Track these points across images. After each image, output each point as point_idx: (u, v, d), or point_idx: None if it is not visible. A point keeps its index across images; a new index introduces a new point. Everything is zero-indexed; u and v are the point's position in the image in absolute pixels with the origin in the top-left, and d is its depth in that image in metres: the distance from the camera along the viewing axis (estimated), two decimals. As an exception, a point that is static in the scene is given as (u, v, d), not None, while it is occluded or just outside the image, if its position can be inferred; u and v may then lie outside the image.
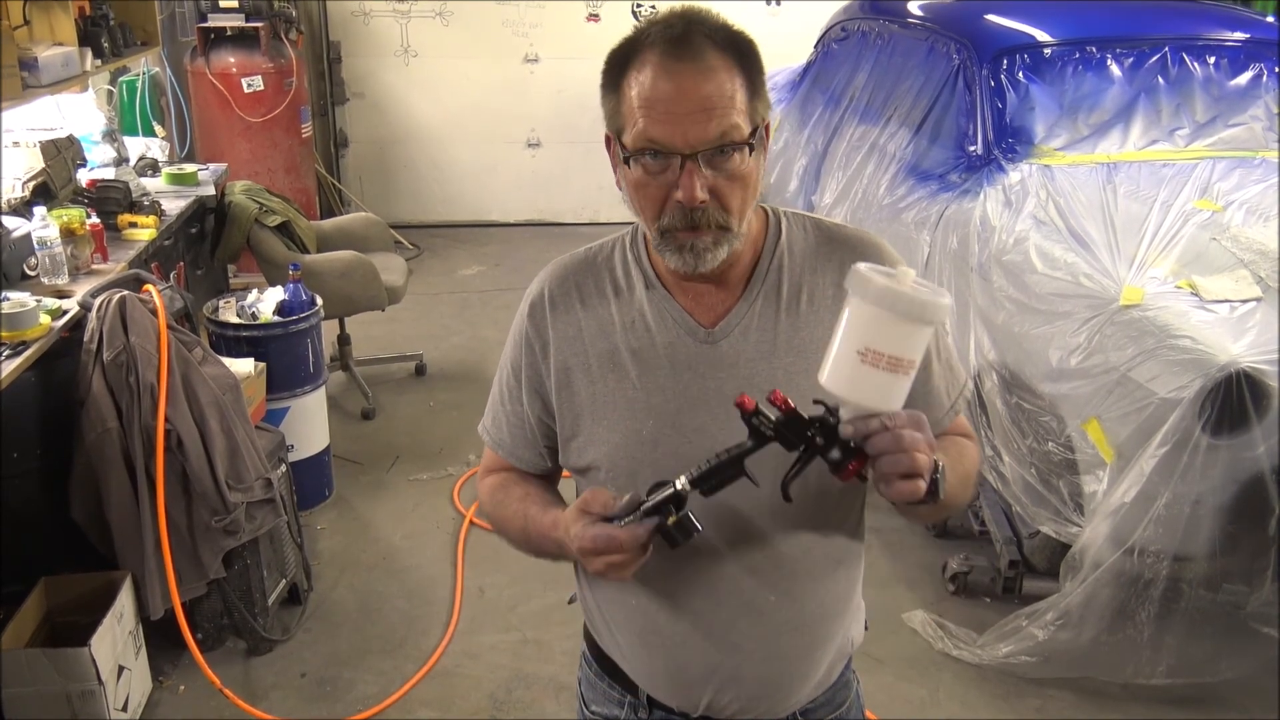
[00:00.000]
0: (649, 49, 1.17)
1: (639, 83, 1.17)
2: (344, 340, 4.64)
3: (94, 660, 2.46)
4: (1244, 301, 2.65)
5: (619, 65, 1.20)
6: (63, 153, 3.76)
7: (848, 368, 1.08)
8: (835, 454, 1.10)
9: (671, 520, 1.13)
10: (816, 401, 1.12)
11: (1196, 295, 2.69)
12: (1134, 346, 2.63)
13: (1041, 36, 3.76)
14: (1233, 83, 3.65)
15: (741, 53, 1.20)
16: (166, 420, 2.66)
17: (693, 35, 1.17)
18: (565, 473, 1.44)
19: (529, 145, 7.17)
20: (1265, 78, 3.66)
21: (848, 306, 1.08)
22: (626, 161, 1.21)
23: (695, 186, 1.16)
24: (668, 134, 1.15)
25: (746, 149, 1.17)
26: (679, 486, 1.14)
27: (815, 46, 5.21)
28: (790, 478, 1.13)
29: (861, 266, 1.08)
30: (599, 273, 1.36)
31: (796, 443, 1.12)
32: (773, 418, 1.12)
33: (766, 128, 1.24)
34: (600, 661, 1.47)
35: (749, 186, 1.21)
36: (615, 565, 1.16)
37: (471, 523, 3.63)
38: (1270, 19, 4.18)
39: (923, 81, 4.00)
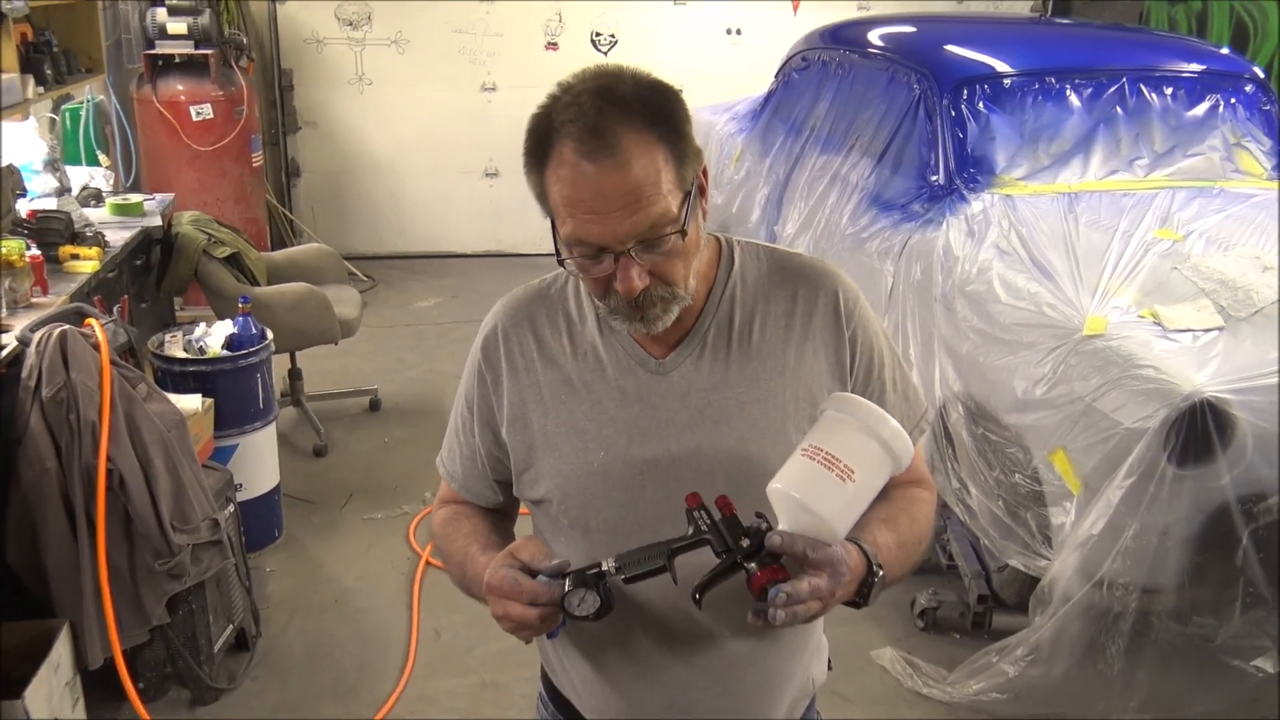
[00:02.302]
0: (564, 142, 1.15)
1: (559, 180, 1.16)
2: (295, 375, 4.60)
3: (28, 713, 2.39)
4: (1206, 331, 2.70)
5: (538, 149, 1.18)
6: (2, 182, 3.70)
7: (794, 464, 1.14)
8: (753, 565, 1.12)
9: (579, 595, 1.15)
10: (759, 515, 1.15)
11: (1159, 324, 2.73)
12: (1098, 376, 2.66)
13: (1001, 67, 3.83)
14: (1190, 113, 3.75)
15: (661, 121, 1.16)
16: (108, 459, 2.61)
17: (606, 123, 1.13)
18: (524, 509, 1.44)
19: (486, 175, 7.18)
20: (1221, 108, 3.76)
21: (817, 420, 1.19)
22: (561, 261, 1.22)
23: (632, 279, 1.17)
24: (596, 234, 1.16)
25: (680, 234, 1.18)
26: (606, 566, 1.16)
27: (776, 76, 5.28)
28: (704, 584, 1.15)
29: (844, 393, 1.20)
30: (552, 305, 1.37)
31: (722, 549, 1.14)
32: (710, 519, 1.15)
33: (704, 172, 1.23)
34: (555, 701, 1.47)
35: (690, 254, 1.22)
36: (512, 617, 1.17)
37: (428, 563, 3.59)
38: (1225, 50, 4.29)
39: (884, 111, 4.06)
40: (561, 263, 1.22)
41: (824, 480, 1.12)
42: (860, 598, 1.19)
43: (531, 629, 1.18)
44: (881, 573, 1.19)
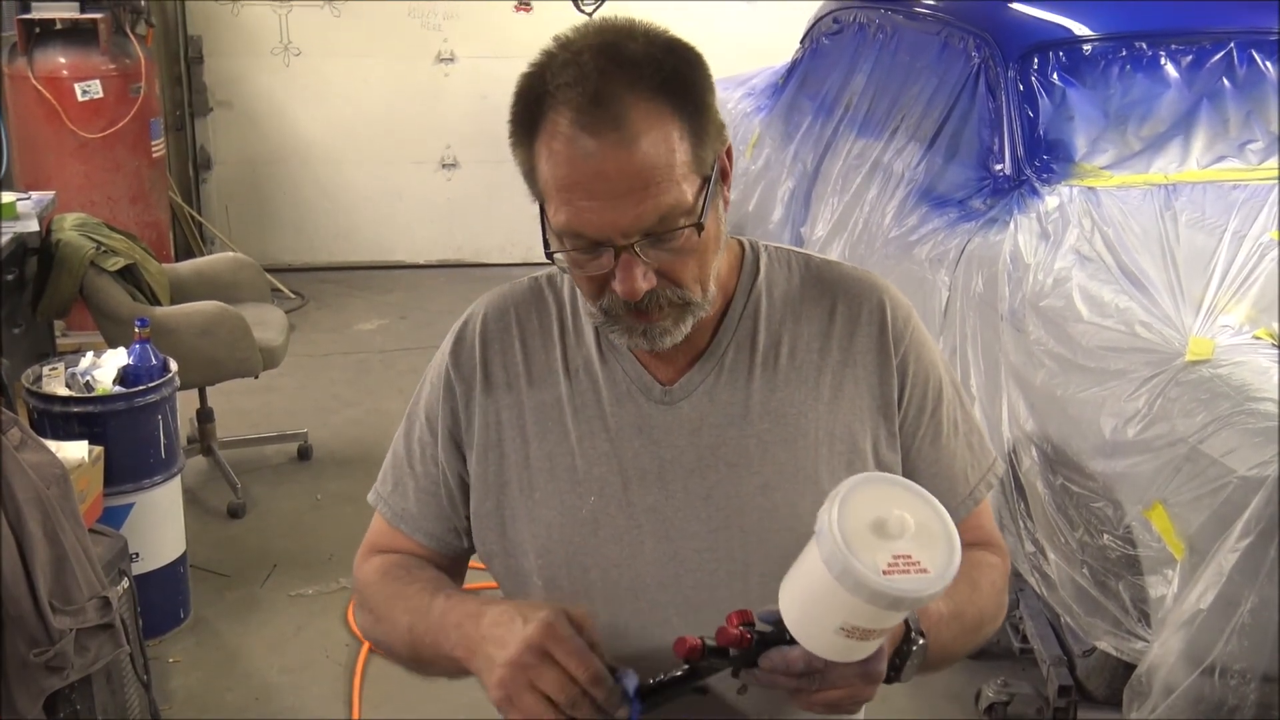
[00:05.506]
0: (560, 110, 1.16)
1: (552, 156, 1.18)
2: (205, 416, 4.60)
3: None
4: (1337, 355, 2.72)
5: (527, 116, 1.20)
6: None
7: (800, 615, 1.11)
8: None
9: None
10: (777, 618, 1.14)
11: (1279, 348, 2.75)
12: (1205, 412, 2.67)
13: (1081, 30, 3.87)
14: (1316, 85, 3.78)
15: (677, 89, 1.19)
16: (-29, 523, 2.62)
17: (611, 90, 1.15)
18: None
19: (443, 166, 7.22)
20: (1353, 79, 3.79)
21: (812, 547, 1.09)
22: (550, 254, 1.23)
23: (636, 279, 1.18)
24: (594, 225, 1.17)
25: (696, 228, 1.19)
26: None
27: (802, 41, 5.33)
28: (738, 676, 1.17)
29: (834, 514, 1.05)
30: (545, 309, 1.39)
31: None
32: (726, 656, 1.15)
33: (728, 153, 1.26)
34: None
35: (708, 252, 1.24)
36: (543, 682, 1.12)
37: (372, 650, 3.58)
38: (1357, 8, 4.33)
39: (936, 85, 4.09)
40: (550, 256, 1.24)
41: (848, 647, 1.10)
42: (893, 670, 1.19)
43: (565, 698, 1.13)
44: (923, 641, 1.20)
